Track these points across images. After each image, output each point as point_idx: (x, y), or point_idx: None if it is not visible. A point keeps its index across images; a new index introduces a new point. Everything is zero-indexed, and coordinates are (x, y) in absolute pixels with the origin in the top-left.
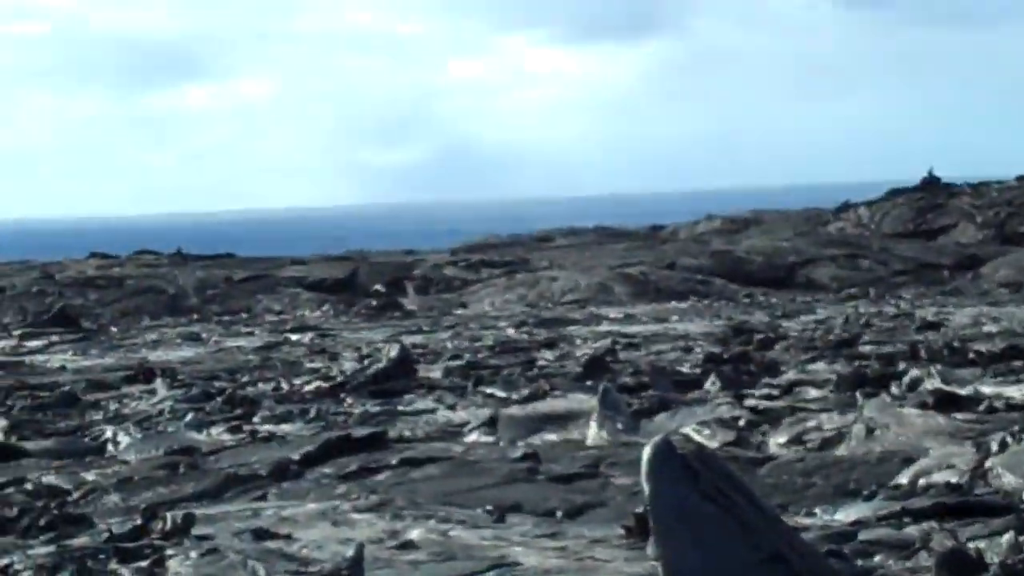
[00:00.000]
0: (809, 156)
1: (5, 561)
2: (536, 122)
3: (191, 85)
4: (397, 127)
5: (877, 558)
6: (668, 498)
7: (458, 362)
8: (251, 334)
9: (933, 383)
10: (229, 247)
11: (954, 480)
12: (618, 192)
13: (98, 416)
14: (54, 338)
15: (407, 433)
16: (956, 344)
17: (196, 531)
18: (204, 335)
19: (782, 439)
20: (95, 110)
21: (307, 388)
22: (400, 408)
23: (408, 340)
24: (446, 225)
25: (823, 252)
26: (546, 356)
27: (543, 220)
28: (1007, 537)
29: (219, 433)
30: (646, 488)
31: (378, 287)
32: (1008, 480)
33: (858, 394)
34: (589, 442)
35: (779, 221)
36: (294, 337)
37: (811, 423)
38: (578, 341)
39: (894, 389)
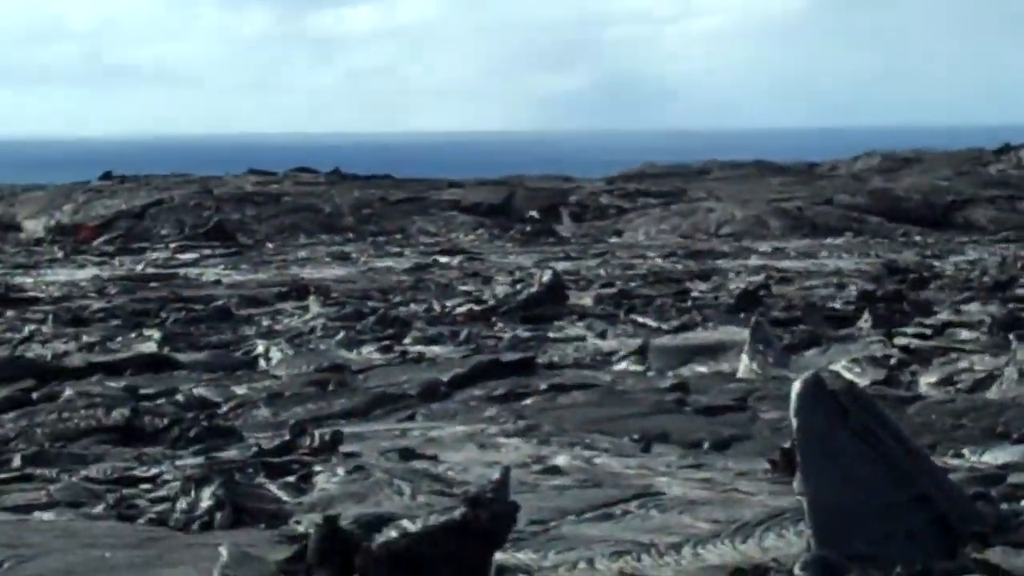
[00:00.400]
0: (972, 96)
1: (154, 471)
2: (700, 53)
3: (357, 5)
4: (561, 54)
5: None
6: (816, 434)
7: (610, 290)
8: (405, 255)
9: None
10: (387, 168)
11: None
12: (778, 126)
13: (250, 331)
14: (206, 251)
15: (556, 359)
16: None
17: (344, 448)
18: (357, 255)
19: (933, 379)
20: (262, 28)
21: (459, 311)
22: (550, 334)
23: (561, 266)
24: (605, 154)
25: (982, 193)
26: (699, 287)
27: (702, 152)
28: None
29: (370, 352)
30: (794, 423)
31: (533, 213)
32: None
33: (1011, 336)
34: (739, 375)
35: (939, 160)
36: (447, 259)
37: (962, 364)
38: (731, 273)
39: None
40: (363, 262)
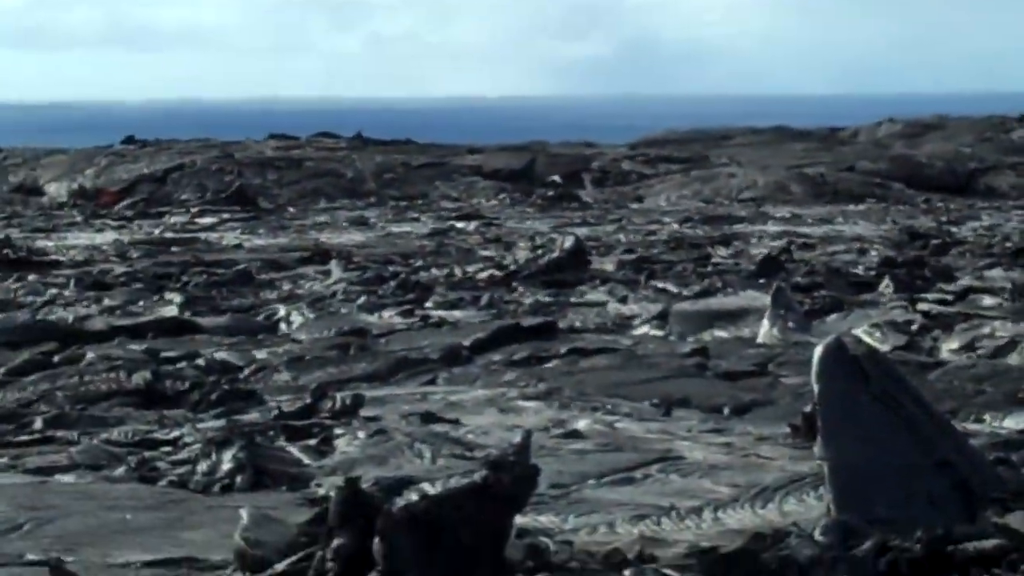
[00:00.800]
0: (996, 62)
1: (175, 433)
2: (721, 18)
3: None
4: (582, 19)
5: None
6: (837, 399)
7: (631, 255)
8: (426, 220)
9: None
10: (409, 133)
11: None
12: (801, 92)
13: (272, 295)
14: (225, 216)
15: (577, 324)
16: None
17: (364, 412)
18: (379, 220)
19: (954, 345)
20: None
21: (480, 275)
22: (571, 299)
23: (582, 232)
24: (627, 119)
25: (1004, 159)
26: (720, 252)
27: (724, 118)
28: None
29: (391, 316)
30: (815, 388)
31: (555, 178)
32: None
33: None
34: (760, 340)
35: (961, 127)
36: (468, 225)
37: (984, 330)
38: (753, 239)
39: None
40: (381, 227)
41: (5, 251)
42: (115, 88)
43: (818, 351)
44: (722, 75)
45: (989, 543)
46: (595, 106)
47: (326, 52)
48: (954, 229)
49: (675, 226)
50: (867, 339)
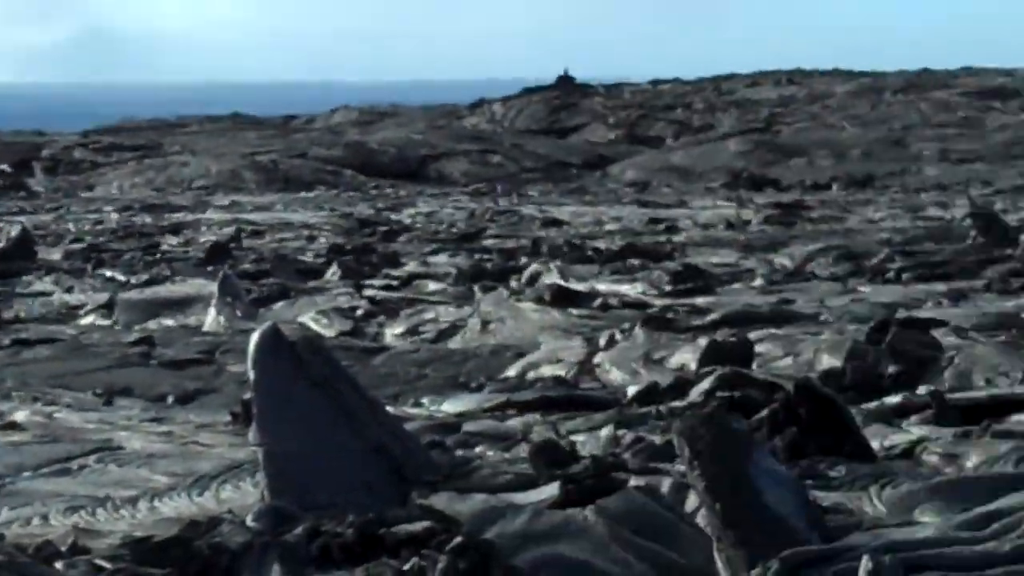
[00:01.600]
0: (447, 52)
1: None
2: (178, 6)
3: None
4: (39, 5)
5: (478, 448)
6: (272, 385)
7: (79, 244)
8: None
9: (551, 278)
10: None
11: (562, 374)
12: (260, 80)
13: None
14: None
15: (22, 314)
16: (576, 241)
17: None
18: None
19: (399, 330)
20: None
21: None
22: (17, 289)
23: (31, 221)
24: (82, 108)
25: (456, 147)
26: (170, 241)
27: (182, 105)
28: (606, 431)
29: None
30: (251, 375)
31: (3, 167)
32: (614, 375)
33: (476, 288)
34: (206, 328)
35: (415, 114)
36: None
37: (428, 315)
38: (203, 227)
39: (513, 283)
40: None
41: None
42: None
43: (253, 338)
44: (181, 63)
45: (419, 525)
46: (51, 95)
47: None
48: (402, 216)
49: (117, 215)
50: (313, 325)
